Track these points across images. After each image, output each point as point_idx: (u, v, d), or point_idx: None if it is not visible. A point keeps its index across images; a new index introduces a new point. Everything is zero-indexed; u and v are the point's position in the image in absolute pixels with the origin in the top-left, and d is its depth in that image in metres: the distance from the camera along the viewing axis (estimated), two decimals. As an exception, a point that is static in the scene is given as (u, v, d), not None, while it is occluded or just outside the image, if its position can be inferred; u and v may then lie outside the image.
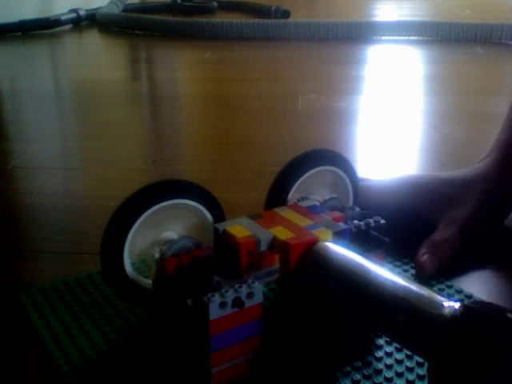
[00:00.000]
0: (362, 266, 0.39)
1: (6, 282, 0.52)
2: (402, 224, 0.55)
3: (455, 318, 0.32)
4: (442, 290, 0.49)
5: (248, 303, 0.38)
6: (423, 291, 0.35)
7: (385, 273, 0.37)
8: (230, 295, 0.37)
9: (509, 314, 0.31)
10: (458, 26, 1.75)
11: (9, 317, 0.47)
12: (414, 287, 0.36)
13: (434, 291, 0.35)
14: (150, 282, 0.43)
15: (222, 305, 0.36)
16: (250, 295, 0.38)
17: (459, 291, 0.49)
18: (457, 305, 0.33)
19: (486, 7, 2.53)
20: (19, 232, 0.63)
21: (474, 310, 0.32)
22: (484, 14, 2.26)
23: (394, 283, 0.36)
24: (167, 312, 0.42)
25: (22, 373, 0.41)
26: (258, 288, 0.38)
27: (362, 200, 0.54)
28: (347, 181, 0.53)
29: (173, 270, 0.40)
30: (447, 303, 0.34)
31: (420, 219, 0.58)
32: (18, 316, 0.47)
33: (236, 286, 0.37)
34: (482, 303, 0.33)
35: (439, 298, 0.34)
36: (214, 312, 0.36)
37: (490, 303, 0.33)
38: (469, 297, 0.49)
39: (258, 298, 0.38)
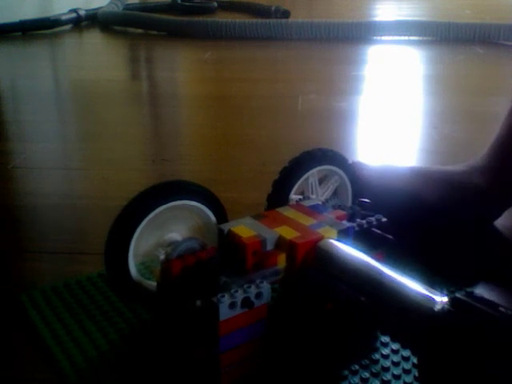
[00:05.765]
0: (364, 263, 0.39)
1: (6, 282, 0.52)
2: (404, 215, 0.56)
3: (446, 312, 0.32)
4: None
5: (257, 303, 0.37)
6: (416, 287, 0.35)
7: (383, 269, 0.38)
8: (240, 295, 0.36)
9: (501, 308, 0.31)
10: (457, 26, 1.75)
11: (9, 317, 0.47)
12: (408, 283, 0.36)
13: (427, 287, 0.35)
14: (153, 283, 0.43)
15: (232, 305, 0.36)
16: (258, 295, 0.37)
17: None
18: (448, 299, 0.33)
19: (485, 7, 2.53)
20: (19, 232, 0.63)
21: (465, 304, 0.32)
22: (484, 14, 2.26)
23: (390, 278, 0.36)
24: (172, 313, 0.42)
25: (22, 373, 0.41)
26: (266, 288, 0.38)
27: (363, 184, 0.55)
28: (347, 181, 0.53)
29: (178, 272, 0.40)
30: (439, 298, 0.34)
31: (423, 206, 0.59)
32: (18, 316, 0.47)
33: (245, 286, 0.37)
34: (473, 297, 0.33)
35: (432, 292, 0.34)
36: (224, 313, 0.36)
37: (481, 297, 0.33)
38: (467, 293, 0.48)
39: (266, 297, 0.38)
